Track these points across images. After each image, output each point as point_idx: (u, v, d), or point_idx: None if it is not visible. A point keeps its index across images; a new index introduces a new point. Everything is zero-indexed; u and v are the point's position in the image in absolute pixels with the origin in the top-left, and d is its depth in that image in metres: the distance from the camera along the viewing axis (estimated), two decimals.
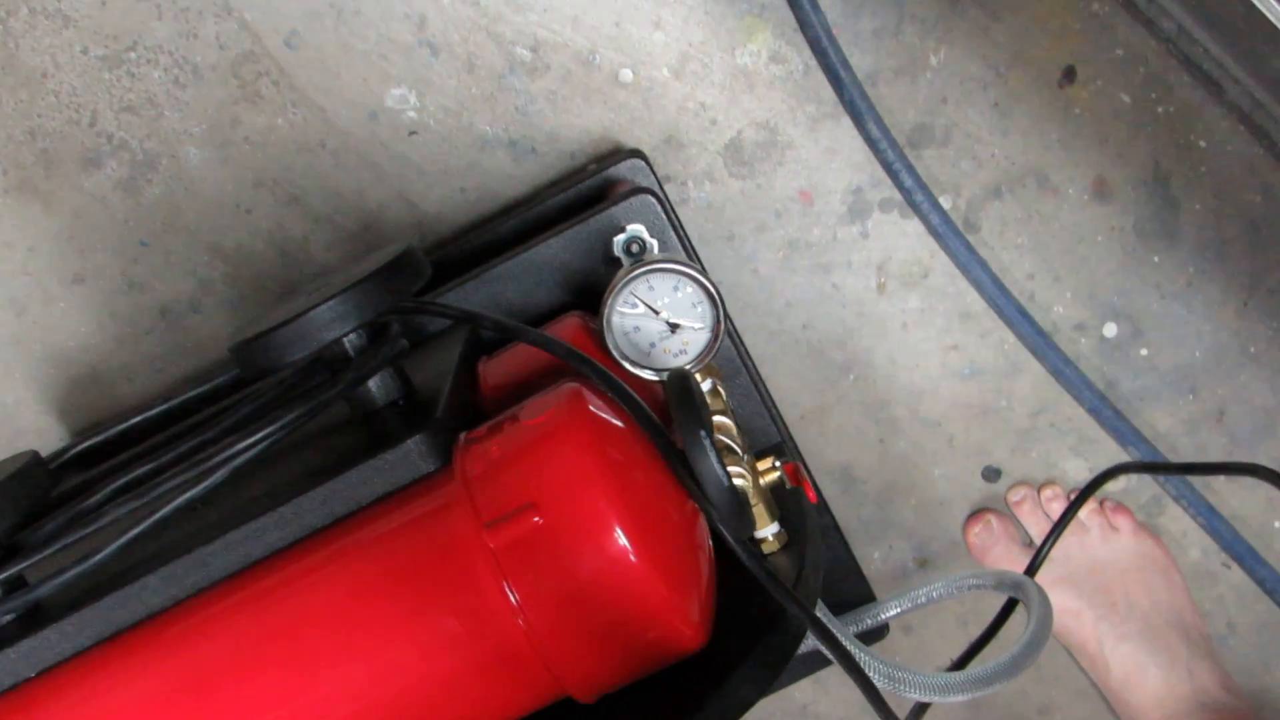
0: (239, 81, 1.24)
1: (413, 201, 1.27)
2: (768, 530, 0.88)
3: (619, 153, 1.24)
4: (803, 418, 1.36)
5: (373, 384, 0.85)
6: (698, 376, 0.90)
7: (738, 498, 0.68)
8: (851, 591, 1.26)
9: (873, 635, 1.23)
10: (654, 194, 1.01)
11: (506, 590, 0.73)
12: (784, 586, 0.74)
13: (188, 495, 0.79)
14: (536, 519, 0.72)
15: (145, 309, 1.30)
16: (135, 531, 0.79)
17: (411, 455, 0.77)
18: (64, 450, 1.08)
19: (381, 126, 1.26)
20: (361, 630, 0.76)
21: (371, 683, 0.76)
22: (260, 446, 0.80)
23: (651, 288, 0.87)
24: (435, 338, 1.03)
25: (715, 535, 0.79)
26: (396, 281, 0.83)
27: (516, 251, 1.03)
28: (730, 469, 0.82)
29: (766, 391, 1.13)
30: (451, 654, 0.75)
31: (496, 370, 0.92)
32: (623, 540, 0.71)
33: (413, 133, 1.26)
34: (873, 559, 1.41)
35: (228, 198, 1.27)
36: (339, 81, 1.24)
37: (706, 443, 0.67)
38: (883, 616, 1.20)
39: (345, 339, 0.83)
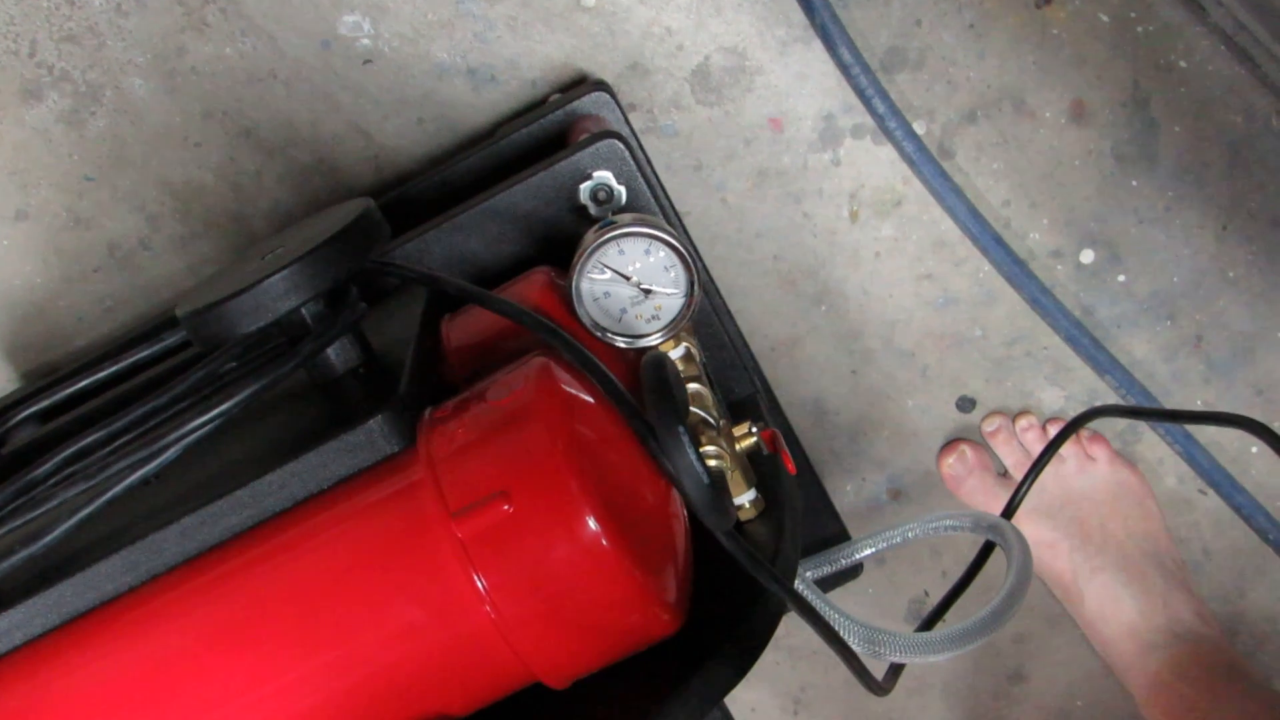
0: (184, 9, 1.19)
1: (368, 133, 1.23)
2: (744, 497, 0.85)
3: (583, 83, 1.20)
4: (773, 350, 1.33)
5: (332, 352, 0.81)
6: (669, 342, 0.86)
7: (718, 492, 0.65)
8: (824, 529, 1.24)
9: (846, 574, 1.22)
10: (621, 138, 0.97)
11: (475, 578, 0.70)
12: (767, 568, 0.72)
13: (139, 474, 0.76)
14: (506, 507, 0.69)
15: (92, 246, 1.25)
16: (85, 513, 0.76)
17: (374, 436, 0.74)
18: (8, 409, 1.04)
19: (335, 55, 1.21)
20: (323, 617, 0.73)
21: (334, 671, 0.73)
22: (215, 424, 0.76)
23: (622, 252, 0.83)
24: (395, 293, 0.99)
25: (690, 510, 0.76)
26: (355, 246, 0.79)
27: (478, 200, 0.99)
28: (707, 449, 0.79)
29: (741, 340, 1.09)
30: (416, 641, 0.72)
31: (460, 331, 0.89)
32: (595, 527, 0.69)
33: (367, 61, 1.21)
34: (845, 491, 1.39)
35: (176, 130, 1.22)
36: (289, 8, 1.19)
37: (685, 439, 0.64)
38: (856, 557, 1.18)
39: (303, 308, 0.79)
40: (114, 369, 1.01)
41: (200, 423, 0.76)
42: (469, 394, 0.76)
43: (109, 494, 0.76)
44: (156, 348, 1.01)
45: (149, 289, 1.26)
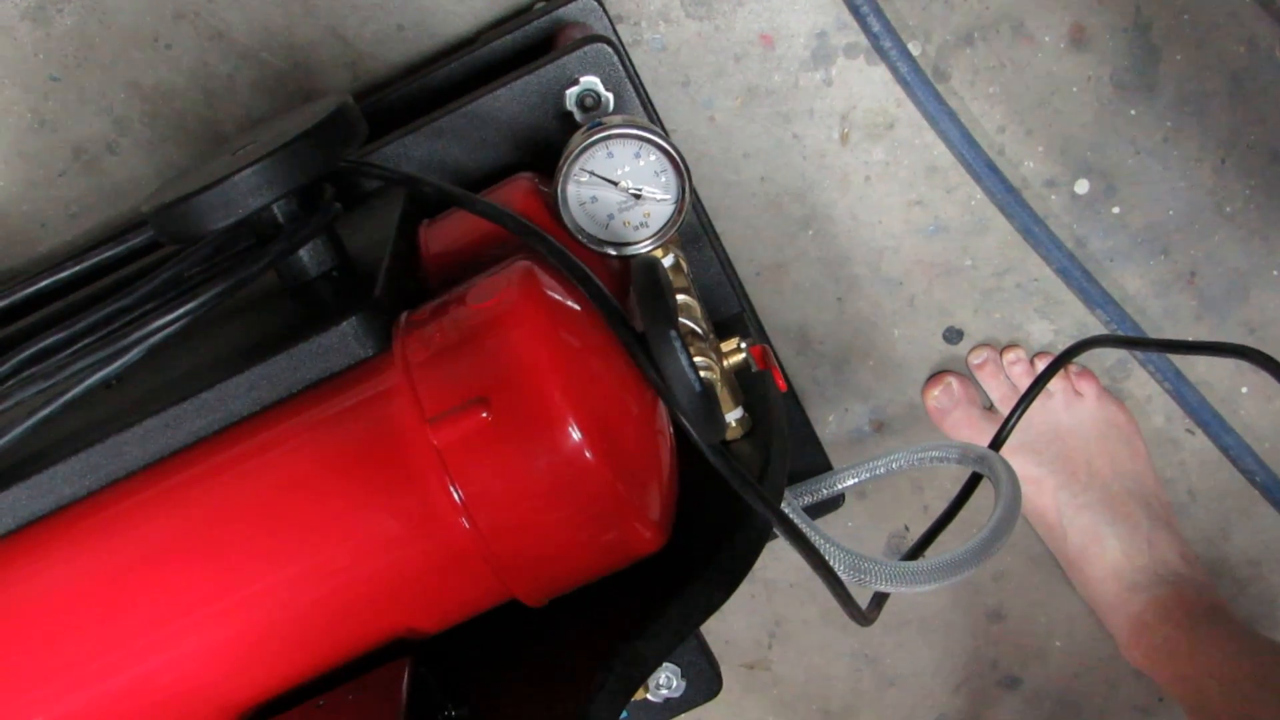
0: None
1: (346, 38, 1.19)
2: (731, 415, 0.82)
3: None
4: (759, 274, 1.30)
5: (304, 253, 0.78)
6: (658, 251, 0.83)
7: (709, 401, 0.62)
8: (807, 459, 1.21)
9: (828, 505, 1.19)
10: (609, 42, 0.93)
11: (451, 489, 0.67)
12: (754, 487, 0.69)
13: (100, 375, 0.73)
14: (485, 415, 0.66)
15: (57, 149, 1.21)
16: (43, 414, 0.73)
17: (347, 339, 0.71)
18: None
19: None
20: (291, 528, 0.70)
21: (301, 583, 0.70)
22: (180, 324, 0.73)
23: (611, 155, 0.80)
24: (372, 196, 0.95)
25: (677, 425, 0.73)
26: (330, 142, 0.75)
27: (461, 103, 0.95)
28: (697, 360, 0.76)
29: (727, 259, 1.06)
30: (388, 554, 0.70)
31: (440, 236, 0.85)
32: (578, 437, 0.66)
33: None
34: (827, 421, 1.36)
35: (145, 30, 1.17)
36: None
37: (677, 344, 0.61)
38: (839, 487, 1.15)
39: (274, 205, 0.75)
40: (78, 269, 0.98)
41: (165, 322, 0.72)
42: (448, 297, 0.73)
43: (68, 395, 0.73)
44: (122, 248, 0.97)
45: (115, 194, 1.22)
